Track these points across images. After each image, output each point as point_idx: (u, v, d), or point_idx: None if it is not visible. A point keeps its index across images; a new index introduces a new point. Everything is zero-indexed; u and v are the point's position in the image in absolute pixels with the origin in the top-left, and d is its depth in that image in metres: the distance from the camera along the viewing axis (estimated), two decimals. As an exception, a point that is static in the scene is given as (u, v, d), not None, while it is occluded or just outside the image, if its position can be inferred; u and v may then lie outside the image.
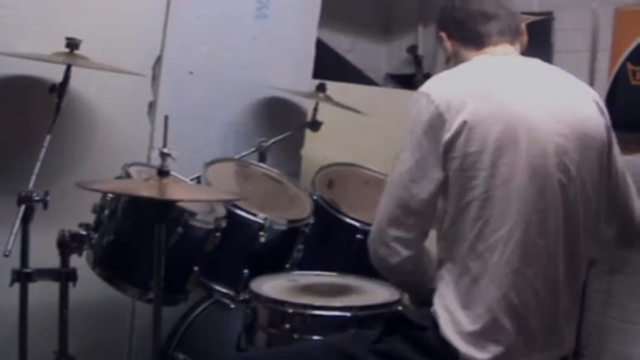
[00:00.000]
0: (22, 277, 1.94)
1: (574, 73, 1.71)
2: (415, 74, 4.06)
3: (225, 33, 2.77)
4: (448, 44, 1.75)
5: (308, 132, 2.92)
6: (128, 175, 2.08)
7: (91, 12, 2.38)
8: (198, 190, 2.15)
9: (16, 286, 1.94)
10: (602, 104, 1.67)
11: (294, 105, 3.03)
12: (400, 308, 1.82)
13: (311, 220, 2.34)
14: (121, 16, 2.48)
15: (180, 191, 1.83)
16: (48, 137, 2.02)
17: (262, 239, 2.18)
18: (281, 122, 2.89)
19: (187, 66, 2.68)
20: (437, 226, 1.63)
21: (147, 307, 2.02)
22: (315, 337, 1.78)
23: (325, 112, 2.83)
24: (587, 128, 1.60)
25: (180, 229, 2.00)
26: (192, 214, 2.03)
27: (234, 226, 2.15)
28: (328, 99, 2.77)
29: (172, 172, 1.82)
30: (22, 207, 1.92)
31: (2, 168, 2.24)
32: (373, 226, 1.66)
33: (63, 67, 2.09)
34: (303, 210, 2.38)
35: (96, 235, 2.04)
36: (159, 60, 2.60)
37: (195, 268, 2.11)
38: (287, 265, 2.31)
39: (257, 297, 1.88)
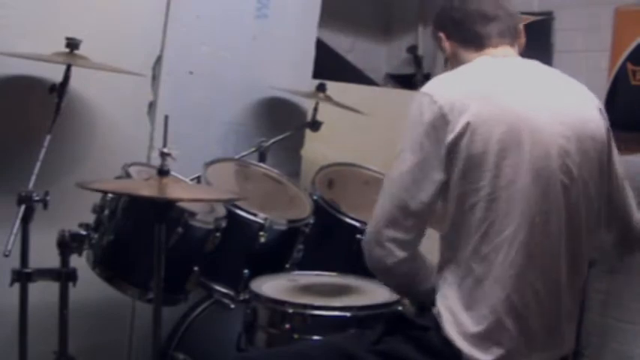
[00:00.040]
0: (22, 277, 1.94)
1: (574, 73, 1.71)
2: (415, 74, 4.07)
3: (225, 33, 2.77)
4: (447, 44, 1.74)
5: (308, 132, 2.92)
6: (128, 175, 2.08)
7: (91, 12, 2.38)
8: (198, 190, 2.15)
9: (16, 286, 1.94)
10: (602, 107, 1.68)
11: (294, 105, 3.03)
12: (400, 308, 1.82)
13: (311, 220, 2.34)
14: (121, 16, 2.48)
15: (180, 191, 1.83)
16: (48, 137, 2.02)
17: (262, 239, 2.18)
18: (281, 122, 2.89)
19: (187, 66, 2.68)
20: (439, 228, 1.62)
21: (147, 307, 2.02)
22: (315, 337, 1.78)
23: (325, 112, 2.83)
24: (589, 130, 1.60)
25: (180, 229, 2.00)
26: (192, 214, 2.03)
27: (234, 226, 2.15)
28: (328, 99, 2.77)
29: (172, 172, 1.82)
30: (22, 207, 1.92)
31: (2, 168, 2.24)
32: (369, 226, 1.64)
33: (63, 67, 2.09)
34: (303, 210, 2.39)
35: (96, 235, 2.04)
36: (159, 60, 2.60)
37: (195, 268, 2.11)
38: (287, 265, 2.31)
39: (257, 297, 1.88)
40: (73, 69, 2.09)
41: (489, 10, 1.69)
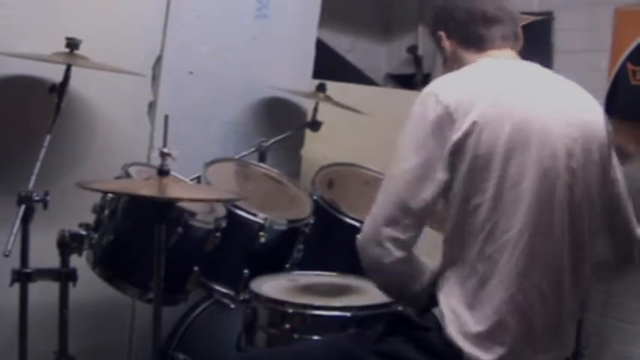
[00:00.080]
0: (22, 277, 1.94)
1: (574, 73, 1.70)
2: (415, 74, 4.07)
3: (225, 33, 2.77)
4: (447, 44, 1.73)
5: (308, 132, 2.92)
6: (128, 175, 2.08)
7: (91, 12, 2.38)
8: (198, 190, 2.15)
9: (16, 286, 1.94)
10: (603, 111, 1.68)
11: (294, 105, 3.03)
12: (400, 308, 1.82)
13: (311, 220, 2.34)
14: (121, 16, 2.48)
15: (180, 191, 1.83)
16: (48, 137, 2.02)
17: (262, 239, 2.18)
18: (281, 122, 2.89)
19: (187, 66, 2.68)
20: (439, 229, 1.62)
21: (147, 307, 2.02)
22: (315, 337, 1.78)
23: (325, 112, 2.83)
24: (592, 132, 1.60)
25: (180, 229, 2.00)
26: (192, 214, 2.03)
27: (234, 226, 2.16)
28: (328, 99, 2.77)
29: (172, 172, 1.82)
30: (22, 207, 1.92)
31: (2, 168, 2.24)
32: (366, 224, 1.60)
33: (63, 67, 2.09)
34: (303, 210, 2.39)
35: (96, 235, 2.04)
36: (159, 60, 2.60)
37: (195, 268, 2.11)
38: (287, 265, 2.31)
39: (257, 297, 1.89)
40: (73, 69, 2.09)
41: (493, 13, 1.68)
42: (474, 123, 1.49)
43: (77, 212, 2.09)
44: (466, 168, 1.50)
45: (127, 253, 2.05)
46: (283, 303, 1.84)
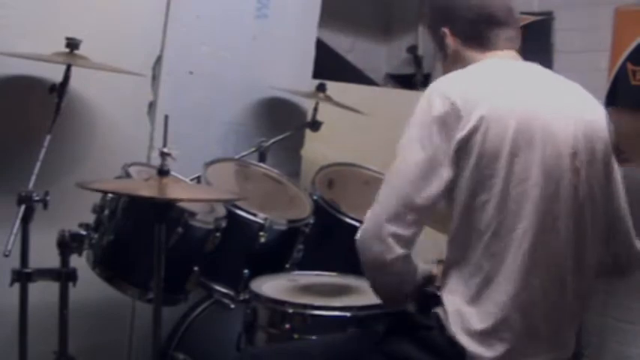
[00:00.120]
0: (22, 277, 1.94)
1: (574, 73, 1.71)
2: (415, 74, 4.07)
3: (225, 33, 2.77)
4: (451, 40, 1.72)
5: (308, 132, 2.92)
6: (128, 175, 2.08)
7: (91, 12, 2.38)
8: (198, 190, 2.15)
9: (16, 286, 1.94)
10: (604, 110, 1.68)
11: (294, 105, 3.03)
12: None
13: (311, 220, 2.34)
14: (121, 16, 2.48)
15: (180, 191, 1.83)
16: (48, 137, 2.02)
17: (262, 239, 2.18)
18: (281, 122, 2.89)
19: (187, 66, 2.68)
20: (441, 229, 1.62)
21: (147, 307, 2.02)
22: (315, 337, 1.78)
23: (325, 112, 2.83)
24: (594, 131, 1.60)
25: (180, 229, 2.00)
26: (192, 214, 2.03)
27: (234, 226, 2.16)
28: (328, 99, 2.77)
29: (172, 172, 1.82)
30: (22, 207, 1.92)
31: (2, 168, 2.24)
32: (368, 221, 1.56)
33: (63, 67, 2.09)
34: (303, 210, 2.39)
35: (96, 235, 2.04)
36: (159, 60, 2.60)
37: (195, 268, 2.11)
38: (287, 265, 2.31)
39: (257, 297, 1.89)
40: (73, 69, 2.09)
41: (503, 15, 1.68)
42: (481, 120, 1.49)
43: (77, 212, 2.09)
44: (472, 165, 1.50)
45: (127, 253, 2.05)
46: (283, 303, 1.84)
